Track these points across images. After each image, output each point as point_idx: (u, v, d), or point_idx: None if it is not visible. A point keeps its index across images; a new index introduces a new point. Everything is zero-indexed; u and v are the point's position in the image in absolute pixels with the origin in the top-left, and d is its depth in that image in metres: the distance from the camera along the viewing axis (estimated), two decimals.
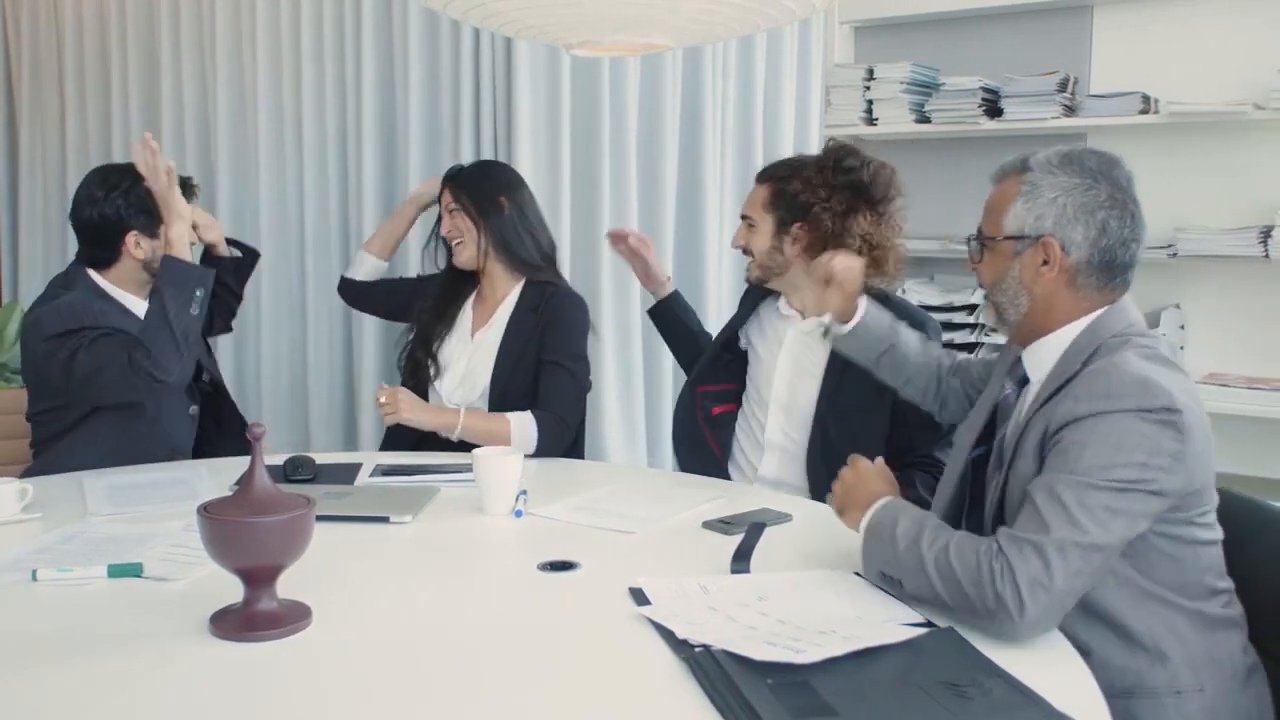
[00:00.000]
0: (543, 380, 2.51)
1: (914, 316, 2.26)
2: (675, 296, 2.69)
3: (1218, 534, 1.57)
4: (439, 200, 2.66)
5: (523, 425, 2.44)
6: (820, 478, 2.23)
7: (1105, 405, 1.44)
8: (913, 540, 1.46)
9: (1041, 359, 1.62)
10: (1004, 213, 1.61)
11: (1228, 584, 1.57)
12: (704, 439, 2.46)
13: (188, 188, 2.43)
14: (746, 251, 2.37)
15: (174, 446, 2.45)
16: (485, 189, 2.62)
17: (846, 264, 2.09)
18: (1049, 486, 1.42)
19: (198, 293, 2.25)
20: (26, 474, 2.31)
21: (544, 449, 2.45)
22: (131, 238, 2.36)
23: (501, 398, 2.54)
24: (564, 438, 2.49)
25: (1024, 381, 1.67)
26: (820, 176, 2.27)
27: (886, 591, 1.52)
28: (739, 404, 2.47)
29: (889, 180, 2.29)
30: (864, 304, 2.07)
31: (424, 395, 2.58)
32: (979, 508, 1.69)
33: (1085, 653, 1.41)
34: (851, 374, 2.19)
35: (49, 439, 2.39)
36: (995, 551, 1.38)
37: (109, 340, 2.25)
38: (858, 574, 1.61)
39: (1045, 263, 1.58)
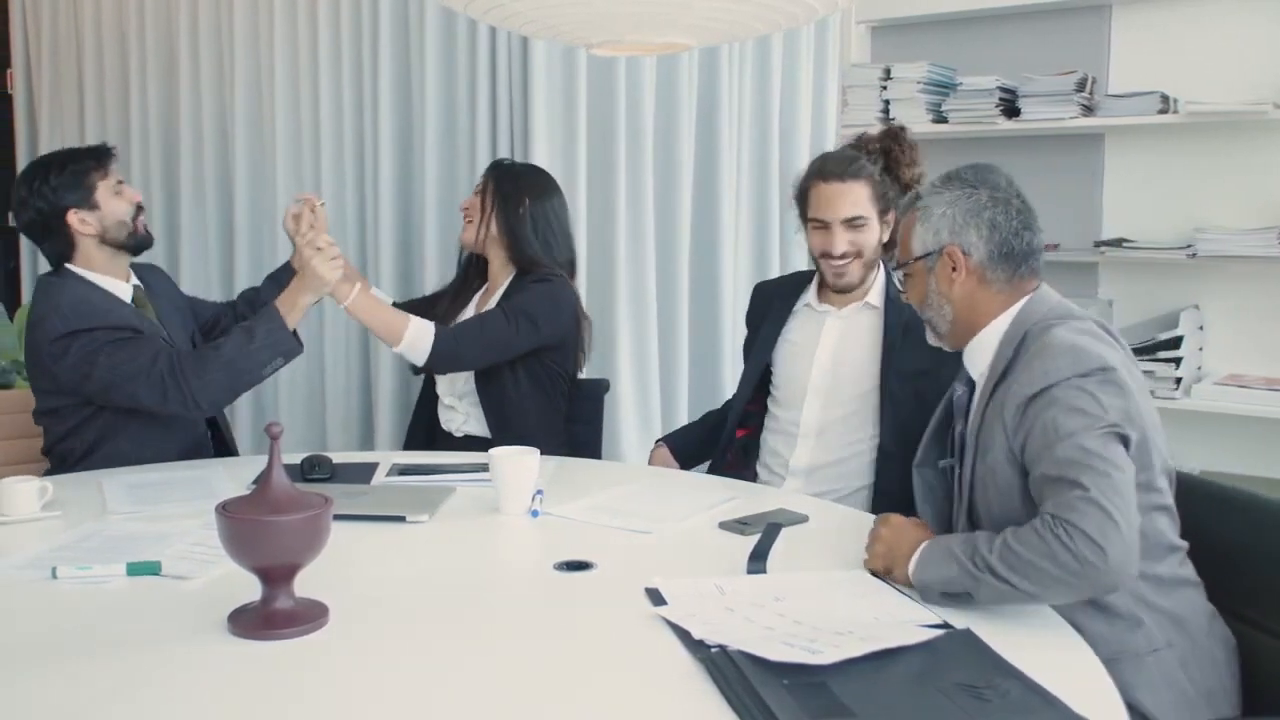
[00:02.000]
0: (480, 313, 2.61)
1: None
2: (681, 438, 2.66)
3: (1166, 497, 1.65)
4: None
5: (419, 332, 2.46)
6: (890, 437, 2.27)
7: (1045, 380, 1.57)
8: (971, 553, 1.48)
9: (977, 357, 1.75)
10: (910, 240, 1.80)
11: (1181, 545, 1.66)
12: (727, 465, 2.48)
13: (104, 151, 2.42)
14: (847, 255, 2.30)
15: (191, 445, 2.46)
16: (515, 182, 2.70)
17: None
18: (1054, 460, 1.51)
19: (278, 360, 2.26)
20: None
21: (429, 367, 2.50)
22: (73, 217, 2.34)
23: (487, 382, 2.61)
24: (451, 365, 2.55)
25: (973, 382, 1.78)
26: (912, 153, 2.46)
27: (902, 592, 1.52)
28: (756, 425, 2.48)
29: (912, 149, 2.53)
30: None
31: (433, 389, 2.67)
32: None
33: (1077, 629, 1.49)
34: (910, 338, 2.22)
35: (63, 438, 2.38)
36: (1052, 522, 1.44)
37: (133, 346, 2.23)
38: (875, 574, 1.61)
39: (954, 269, 1.74)
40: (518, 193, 2.67)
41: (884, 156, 2.43)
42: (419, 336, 2.44)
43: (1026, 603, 1.47)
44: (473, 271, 2.78)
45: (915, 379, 2.23)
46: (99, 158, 2.39)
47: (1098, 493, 1.44)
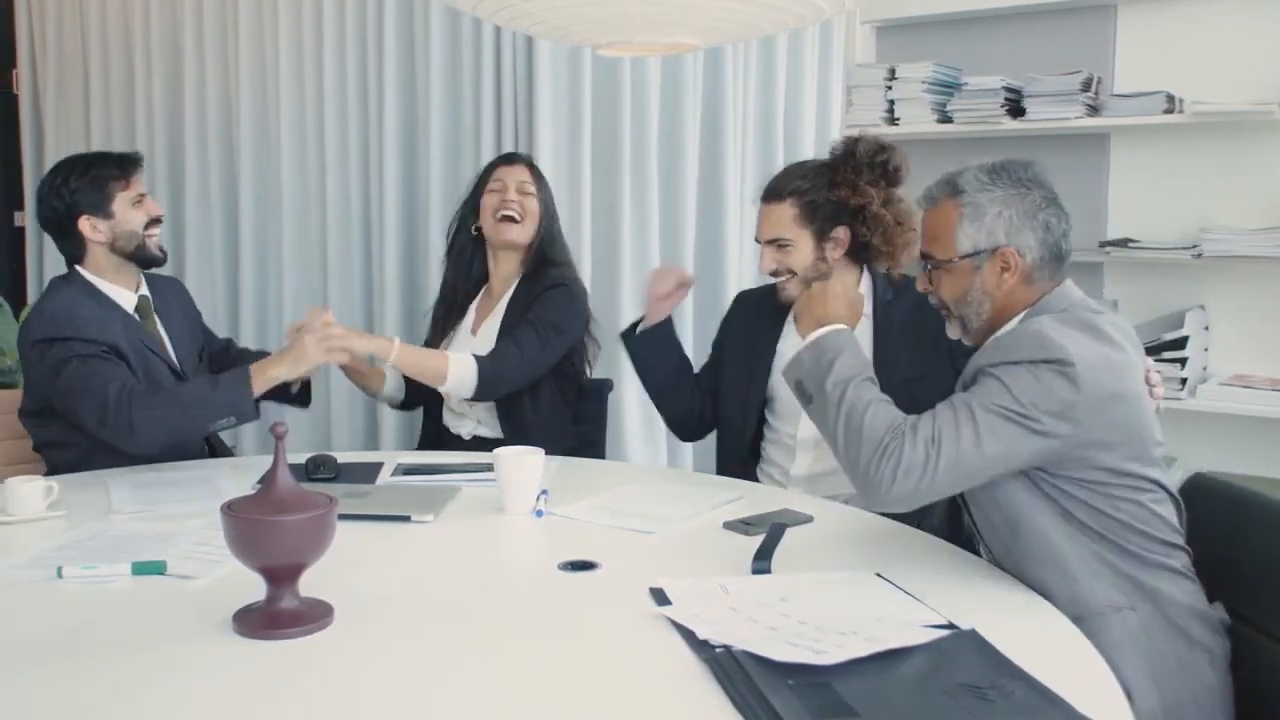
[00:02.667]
0: (511, 333, 2.56)
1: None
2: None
3: (1154, 492, 1.64)
4: (484, 185, 2.66)
5: (461, 368, 2.45)
6: None
7: (1003, 357, 1.62)
8: (843, 380, 1.66)
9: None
10: (951, 236, 1.74)
11: (1171, 539, 1.65)
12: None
13: (130, 161, 2.41)
14: (778, 274, 2.31)
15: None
16: (545, 180, 2.72)
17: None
18: (952, 402, 1.61)
19: (231, 419, 2.22)
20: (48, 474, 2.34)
21: (478, 397, 2.49)
22: (85, 222, 2.34)
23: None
24: (497, 391, 2.53)
25: None
26: (860, 175, 2.25)
27: (897, 586, 1.52)
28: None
29: (903, 160, 2.31)
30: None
31: (434, 396, 2.64)
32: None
33: (1045, 594, 1.59)
34: (902, 345, 2.23)
35: (49, 446, 2.38)
36: (897, 433, 1.58)
37: (100, 364, 2.21)
38: (880, 575, 1.61)
39: (1005, 270, 1.72)
40: (550, 191, 2.71)
41: (830, 171, 2.30)
42: (463, 372, 2.45)
43: (831, 445, 1.66)
44: (473, 272, 2.72)
45: (909, 385, 2.16)
46: (123, 166, 2.38)
47: (937, 450, 1.55)
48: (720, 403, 2.49)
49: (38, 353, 2.25)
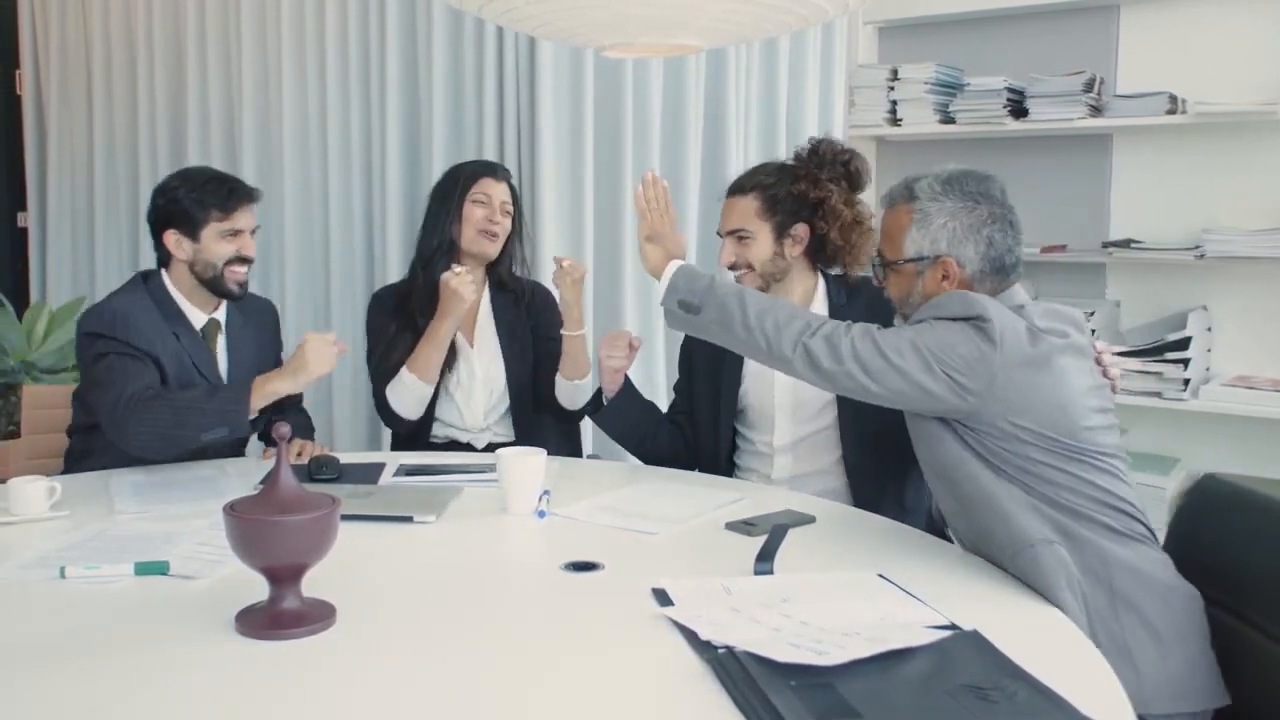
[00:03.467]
0: (551, 354, 2.64)
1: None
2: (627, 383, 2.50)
3: (1071, 459, 1.70)
4: (466, 191, 2.64)
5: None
6: (851, 448, 2.27)
7: (928, 314, 1.75)
8: (737, 289, 1.89)
9: None
10: (901, 238, 1.84)
11: (1114, 501, 1.71)
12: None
13: (240, 196, 2.41)
14: (737, 267, 2.33)
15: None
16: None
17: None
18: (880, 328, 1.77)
19: (222, 430, 2.21)
20: (73, 456, 2.41)
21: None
22: (171, 236, 2.36)
23: (519, 389, 2.66)
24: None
25: None
26: (827, 171, 2.29)
27: (899, 586, 1.52)
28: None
29: (865, 165, 2.36)
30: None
31: (432, 408, 2.64)
32: None
33: (989, 538, 1.69)
34: None
35: (80, 428, 2.42)
36: (822, 322, 1.79)
37: (131, 364, 2.23)
38: (882, 576, 1.61)
39: (944, 278, 1.81)
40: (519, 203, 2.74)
41: (794, 168, 2.33)
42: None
43: (738, 333, 1.84)
44: (429, 303, 2.61)
45: None
46: (227, 200, 2.37)
47: (837, 334, 1.75)
48: (693, 414, 2.48)
49: (86, 343, 2.29)
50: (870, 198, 2.44)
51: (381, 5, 3.31)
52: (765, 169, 2.37)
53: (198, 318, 2.41)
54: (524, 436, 2.62)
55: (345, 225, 3.46)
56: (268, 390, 2.22)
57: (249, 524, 1.38)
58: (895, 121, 3.76)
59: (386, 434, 3.30)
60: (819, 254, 2.33)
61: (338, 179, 3.45)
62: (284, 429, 1.44)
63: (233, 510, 1.39)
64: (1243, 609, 1.69)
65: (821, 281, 2.36)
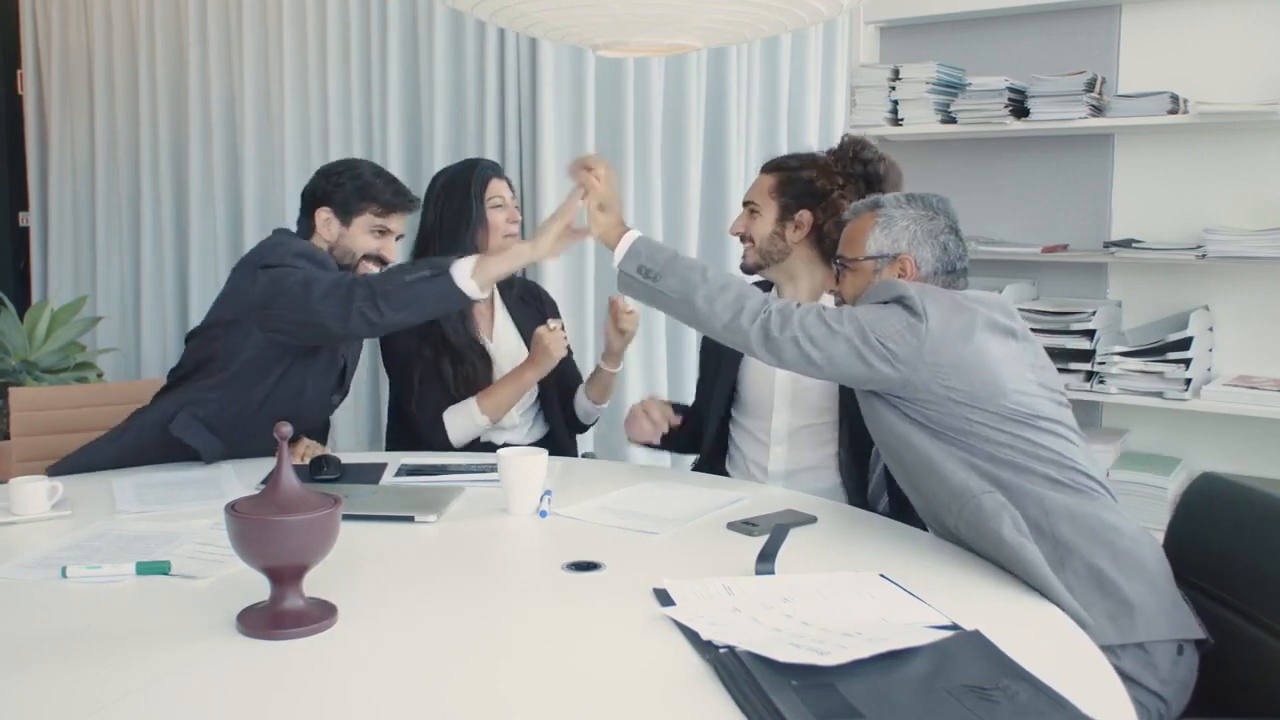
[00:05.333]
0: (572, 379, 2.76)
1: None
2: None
3: (1009, 420, 1.78)
4: (482, 199, 2.62)
5: None
6: (846, 445, 2.28)
7: (866, 300, 1.93)
8: (699, 264, 1.95)
9: None
10: (863, 240, 2.00)
11: (1057, 456, 1.78)
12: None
13: (403, 202, 2.45)
14: (745, 239, 2.39)
15: (303, 427, 2.47)
16: None
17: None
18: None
19: (426, 270, 2.17)
20: (166, 394, 2.39)
21: None
22: (323, 213, 2.41)
23: (547, 384, 2.68)
24: None
25: None
26: (838, 165, 2.34)
27: (901, 586, 1.52)
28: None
29: (899, 178, 2.37)
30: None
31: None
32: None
33: (934, 501, 1.80)
34: None
35: (197, 368, 2.37)
36: (770, 303, 1.88)
37: (333, 274, 2.25)
38: (883, 576, 1.61)
39: (901, 274, 1.96)
40: None
41: (817, 157, 2.39)
42: None
43: (698, 305, 1.89)
44: None
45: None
46: (391, 198, 2.42)
47: (795, 314, 1.84)
48: (697, 401, 2.55)
49: (268, 273, 2.25)
50: None
51: (383, 6, 3.31)
52: (800, 154, 2.44)
53: None
54: (558, 428, 2.71)
55: None
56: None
57: (250, 524, 1.38)
58: (896, 121, 3.76)
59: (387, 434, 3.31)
60: (822, 245, 2.33)
61: None
62: (285, 428, 1.44)
63: (234, 510, 1.39)
64: (1243, 606, 1.69)
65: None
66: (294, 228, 2.51)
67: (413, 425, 2.63)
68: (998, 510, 1.66)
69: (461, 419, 2.57)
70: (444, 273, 2.14)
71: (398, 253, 2.52)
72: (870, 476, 2.27)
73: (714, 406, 2.46)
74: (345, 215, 2.41)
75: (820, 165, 2.34)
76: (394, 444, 2.72)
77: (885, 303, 1.86)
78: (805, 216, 2.32)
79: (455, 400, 2.58)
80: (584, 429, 2.82)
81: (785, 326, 1.84)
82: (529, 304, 2.77)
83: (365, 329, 2.21)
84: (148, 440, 2.31)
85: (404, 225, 2.49)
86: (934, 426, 1.80)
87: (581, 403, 2.72)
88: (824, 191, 2.31)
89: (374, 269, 2.42)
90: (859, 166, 2.33)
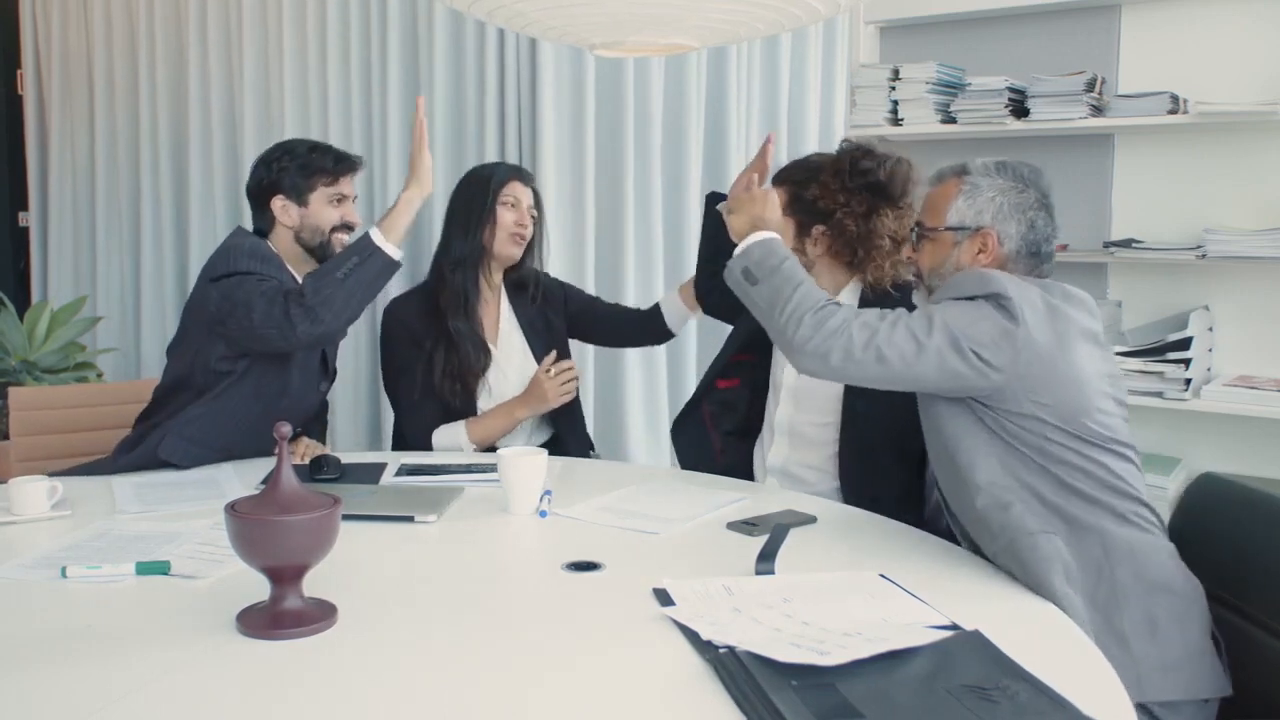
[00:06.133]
0: (612, 309, 2.86)
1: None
2: None
3: (1094, 440, 1.70)
4: (497, 195, 2.63)
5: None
6: (850, 461, 2.25)
7: (946, 294, 1.78)
8: (799, 276, 1.84)
9: None
10: (945, 208, 1.87)
11: (1120, 488, 1.70)
12: (702, 419, 2.48)
13: (347, 161, 2.47)
14: None
15: (297, 419, 2.47)
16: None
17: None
18: (900, 313, 1.75)
19: (354, 259, 2.23)
20: (147, 419, 2.39)
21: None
22: (278, 201, 2.41)
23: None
24: None
25: None
26: (837, 181, 2.25)
27: (901, 586, 1.52)
28: (744, 384, 2.49)
29: (906, 175, 2.27)
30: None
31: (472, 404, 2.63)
32: None
33: (983, 524, 1.69)
34: None
35: (171, 388, 2.39)
36: (847, 321, 1.76)
37: (271, 286, 2.27)
38: (883, 576, 1.61)
39: (981, 251, 1.84)
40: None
41: (821, 170, 2.31)
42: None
43: (776, 319, 1.81)
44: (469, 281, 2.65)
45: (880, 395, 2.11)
46: (335, 164, 2.44)
47: (882, 329, 1.72)
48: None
49: (220, 287, 2.28)
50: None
51: (383, 6, 3.31)
52: (806, 164, 2.36)
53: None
54: (565, 430, 2.69)
55: None
56: (405, 200, 2.30)
57: (250, 524, 1.38)
58: (896, 121, 3.76)
59: (387, 434, 3.31)
60: (840, 254, 2.30)
61: None
62: (284, 429, 1.44)
63: (234, 510, 1.39)
64: (1243, 605, 1.69)
65: (853, 285, 2.32)
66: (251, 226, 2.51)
67: (404, 433, 2.65)
68: (1052, 557, 1.59)
69: (449, 441, 2.58)
70: (371, 252, 2.22)
71: (358, 214, 2.54)
72: (929, 496, 2.23)
73: (725, 355, 2.49)
74: (299, 196, 2.41)
75: (821, 182, 2.27)
76: (399, 441, 2.72)
77: (973, 298, 1.74)
78: (819, 231, 2.28)
79: (447, 408, 2.59)
80: (667, 337, 2.83)
81: (869, 345, 1.72)
82: (534, 302, 2.74)
83: (314, 339, 2.24)
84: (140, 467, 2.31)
85: (354, 186, 2.50)
86: (1006, 438, 1.71)
87: (678, 309, 2.75)
88: (829, 211, 2.25)
89: (345, 237, 2.45)
90: (859, 178, 2.24)
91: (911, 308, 1.88)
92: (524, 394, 2.57)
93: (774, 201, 2.03)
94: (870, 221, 2.24)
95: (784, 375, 2.35)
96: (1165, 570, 1.68)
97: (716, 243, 2.52)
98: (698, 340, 3.40)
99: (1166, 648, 1.63)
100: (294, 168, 2.41)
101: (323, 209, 2.42)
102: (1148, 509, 1.73)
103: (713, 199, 2.56)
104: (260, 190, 2.44)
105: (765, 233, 1.94)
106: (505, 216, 2.62)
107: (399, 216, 2.27)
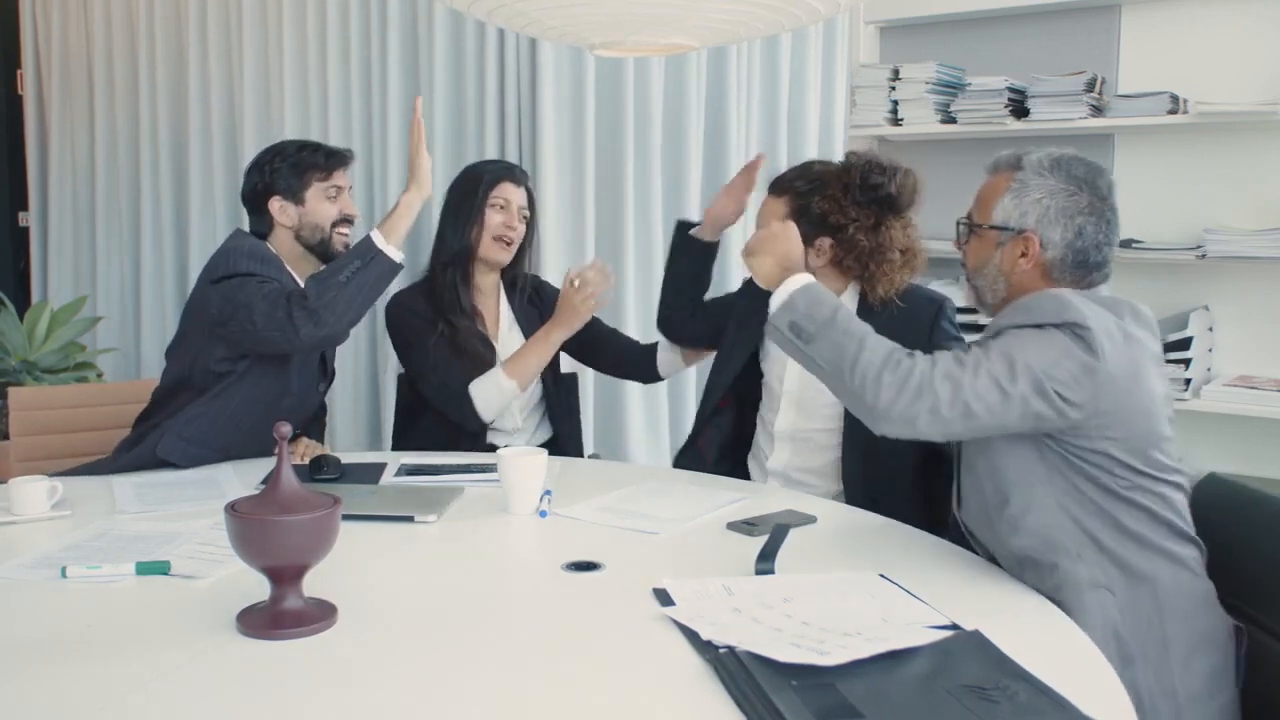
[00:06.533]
0: (610, 334, 2.80)
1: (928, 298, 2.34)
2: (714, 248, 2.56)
3: (1156, 473, 1.63)
4: (486, 196, 2.62)
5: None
6: (853, 466, 2.25)
7: (1022, 319, 1.64)
8: (860, 329, 1.70)
9: None
10: (993, 204, 1.77)
11: (1176, 523, 1.64)
12: (699, 449, 2.48)
13: (338, 156, 2.48)
14: None
15: (296, 420, 2.46)
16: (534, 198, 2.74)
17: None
18: (973, 353, 1.64)
19: (355, 262, 2.22)
20: (146, 420, 2.39)
21: None
22: (275, 203, 2.41)
23: (550, 382, 2.69)
24: None
25: None
26: (848, 196, 2.23)
27: (901, 586, 1.52)
28: (731, 402, 2.48)
29: (914, 188, 2.26)
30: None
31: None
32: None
33: (1025, 567, 1.62)
34: None
35: (171, 389, 2.39)
36: (921, 359, 1.64)
37: (273, 288, 2.27)
38: (883, 576, 1.61)
39: (1023, 255, 1.74)
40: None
41: (827, 182, 2.27)
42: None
43: (845, 381, 1.66)
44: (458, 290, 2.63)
45: None
46: (326, 159, 2.44)
47: (965, 380, 1.59)
48: (712, 382, 2.50)
49: (222, 289, 2.28)
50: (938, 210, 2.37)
51: (383, 6, 3.31)
52: (807, 173, 2.32)
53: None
54: (564, 432, 2.69)
55: None
56: (405, 203, 2.27)
57: (250, 523, 1.38)
58: (896, 121, 3.76)
59: (387, 434, 3.31)
60: (842, 264, 2.28)
61: None
62: (284, 429, 1.44)
63: (234, 510, 1.39)
64: (1244, 607, 1.69)
65: (852, 288, 2.31)
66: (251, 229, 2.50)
67: (438, 405, 2.58)
68: (1096, 623, 1.53)
69: (489, 388, 2.52)
70: (374, 255, 2.22)
71: (356, 205, 2.55)
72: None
73: (718, 390, 2.44)
74: (295, 195, 2.42)
75: (830, 196, 2.23)
76: (402, 442, 2.72)
77: (1042, 326, 1.62)
78: (825, 243, 2.25)
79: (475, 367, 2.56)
80: (655, 379, 2.79)
81: (955, 400, 1.58)
82: (536, 306, 2.75)
83: (317, 341, 2.25)
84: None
85: (348, 178, 2.50)
86: (1069, 475, 1.62)
87: (672, 361, 2.71)
88: (839, 225, 2.23)
89: (347, 231, 2.46)
90: (869, 193, 2.22)
91: (893, 332, 1.81)
92: (555, 315, 2.55)
93: (795, 235, 1.93)
94: (879, 235, 2.23)
95: (785, 383, 2.34)
96: (1211, 620, 1.64)
97: (692, 273, 2.54)
98: None
99: (1211, 701, 1.60)
100: (286, 168, 2.42)
101: (320, 205, 2.43)
102: (1195, 546, 1.67)
103: (683, 226, 2.55)
104: (256, 194, 2.44)
105: (801, 277, 1.81)
106: (493, 219, 2.60)
107: (399, 219, 2.26)
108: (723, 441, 2.47)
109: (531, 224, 2.70)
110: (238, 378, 2.33)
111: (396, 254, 2.24)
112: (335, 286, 2.20)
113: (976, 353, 1.63)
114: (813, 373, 1.76)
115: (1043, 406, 1.57)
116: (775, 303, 1.80)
